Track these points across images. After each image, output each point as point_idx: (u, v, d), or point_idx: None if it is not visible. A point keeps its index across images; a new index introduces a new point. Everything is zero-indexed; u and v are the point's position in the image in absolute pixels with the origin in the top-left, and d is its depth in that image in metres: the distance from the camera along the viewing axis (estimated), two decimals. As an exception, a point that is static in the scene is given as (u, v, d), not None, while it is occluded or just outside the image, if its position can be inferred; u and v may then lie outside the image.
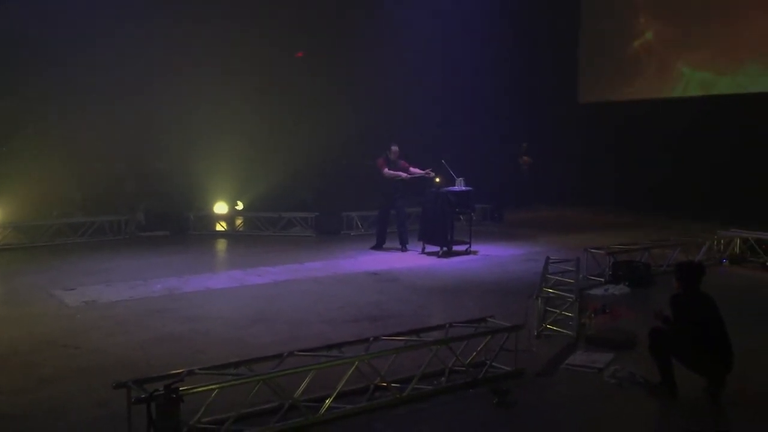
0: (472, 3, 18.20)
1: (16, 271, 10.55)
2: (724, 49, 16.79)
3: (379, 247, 12.36)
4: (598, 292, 9.04)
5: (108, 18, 14.58)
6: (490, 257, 11.78)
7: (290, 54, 17.48)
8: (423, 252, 11.98)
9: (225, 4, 15.94)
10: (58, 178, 14.13)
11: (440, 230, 11.79)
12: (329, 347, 5.75)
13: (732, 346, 5.50)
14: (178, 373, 4.94)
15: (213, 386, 4.77)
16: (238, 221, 15.14)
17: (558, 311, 7.42)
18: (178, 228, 14.19)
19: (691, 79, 17.55)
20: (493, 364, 6.00)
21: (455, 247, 11.95)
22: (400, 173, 12.05)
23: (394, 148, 12.12)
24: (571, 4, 19.85)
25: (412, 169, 12.13)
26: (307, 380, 5.18)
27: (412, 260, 11.51)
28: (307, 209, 14.76)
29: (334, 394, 5.23)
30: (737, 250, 11.41)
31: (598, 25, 19.56)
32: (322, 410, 5.15)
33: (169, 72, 14.95)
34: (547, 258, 9.42)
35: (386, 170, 12.04)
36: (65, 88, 14.39)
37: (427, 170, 12.22)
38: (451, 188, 12.04)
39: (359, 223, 14.43)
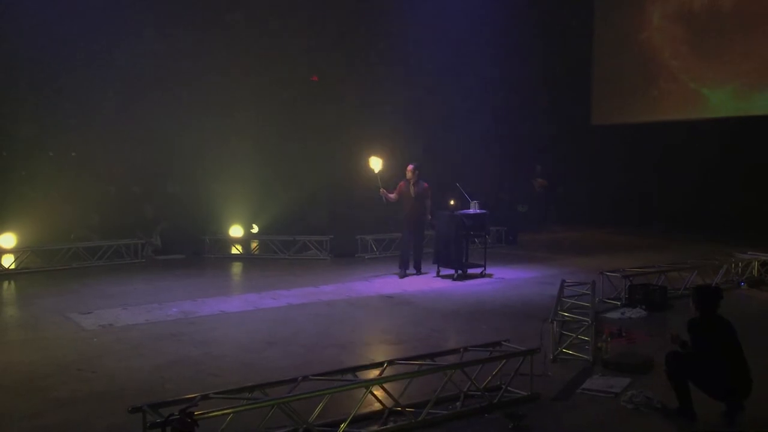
0: (486, 26, 18.34)
1: (33, 294, 10.64)
2: (741, 71, 16.78)
3: (402, 273, 11.97)
4: (614, 315, 8.98)
5: (125, 46, 14.84)
6: (505, 280, 11.74)
7: (305, 78, 17.65)
8: (438, 275, 11.96)
9: (241, 30, 16.18)
10: (76, 202, 14.29)
11: (455, 253, 11.78)
12: (343, 371, 5.75)
13: (750, 371, 5.44)
14: (193, 397, 4.95)
15: (228, 410, 4.77)
16: (254, 244, 15.20)
17: (574, 335, 7.37)
18: (194, 251, 14.27)
19: (707, 101, 17.52)
20: (509, 388, 5.95)
21: (470, 270, 11.92)
22: (388, 195, 11.82)
23: (409, 166, 11.89)
24: (585, 27, 19.96)
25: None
26: (321, 405, 5.17)
27: (427, 283, 11.50)
28: (312, 232, 14.76)
29: (349, 419, 5.21)
30: (755, 273, 11.29)
31: (612, 47, 19.62)
32: (337, 435, 5.13)
33: (186, 97, 15.15)
34: (563, 281, 9.36)
35: (390, 195, 11.86)
36: (83, 114, 14.63)
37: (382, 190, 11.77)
38: (465, 211, 12.04)
39: (374, 246, 14.42)
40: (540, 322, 7.39)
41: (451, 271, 11.83)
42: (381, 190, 11.73)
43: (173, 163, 15.67)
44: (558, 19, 19.44)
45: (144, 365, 6.99)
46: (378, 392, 5.42)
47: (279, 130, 16.31)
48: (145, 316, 9.01)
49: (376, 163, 11.75)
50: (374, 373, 5.74)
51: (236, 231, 15.48)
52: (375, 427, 5.35)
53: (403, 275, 11.92)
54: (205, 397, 4.99)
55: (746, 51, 16.57)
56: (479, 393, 5.83)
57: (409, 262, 12.09)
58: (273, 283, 11.33)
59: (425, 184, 11.92)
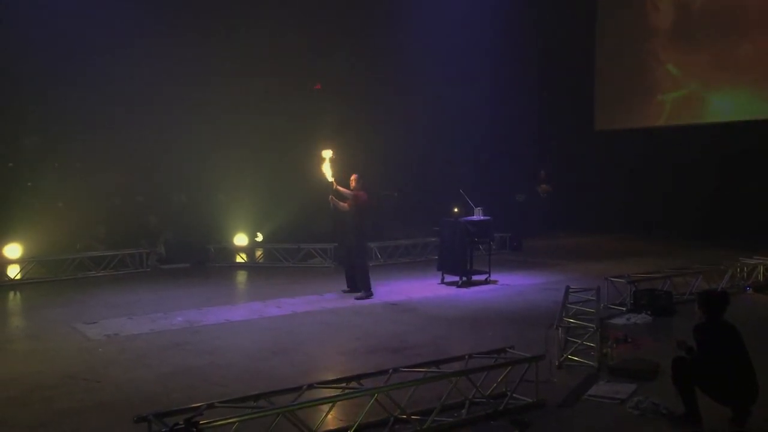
0: (490, 33, 18.38)
1: (39, 305, 10.67)
2: (746, 75, 16.75)
3: (347, 290, 11.12)
4: (619, 321, 8.95)
5: (129, 56, 14.92)
6: (510, 287, 11.72)
7: (308, 86, 17.70)
8: (442, 282, 11.95)
9: (243, 40, 16.24)
10: (81, 213, 14.33)
11: (459, 260, 11.78)
12: (348, 379, 5.75)
13: (756, 376, 5.41)
14: (198, 406, 4.96)
15: (233, 419, 4.77)
16: (258, 253, 15.21)
17: (579, 341, 7.35)
18: (199, 260, 14.28)
19: (711, 106, 17.51)
20: (514, 395, 5.94)
21: (474, 277, 11.91)
22: (339, 204, 10.81)
23: (353, 176, 10.89)
24: (588, 33, 19.98)
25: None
26: (326, 413, 5.17)
27: (431, 290, 11.49)
28: (317, 240, 14.74)
29: (354, 427, 5.21)
30: (761, 277, 11.25)
31: (614, 53, 19.63)
32: (342, 443, 5.12)
33: (190, 107, 15.21)
34: (567, 287, 9.35)
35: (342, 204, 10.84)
36: (87, 125, 14.68)
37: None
38: (469, 218, 12.04)
39: (378, 254, 14.44)
40: (545, 328, 7.36)
41: (456, 278, 11.82)
42: (331, 197, 10.80)
43: (177, 172, 15.71)
44: (560, 24, 19.45)
45: (149, 375, 7.00)
46: (383, 400, 5.41)
47: (283, 138, 16.33)
48: (150, 326, 9.02)
49: (328, 169, 10.82)
50: (379, 381, 5.73)
51: (241, 239, 15.49)
52: (380, 435, 5.34)
53: (347, 291, 11.08)
54: (210, 406, 4.99)
55: (751, 55, 16.54)
56: (485, 400, 5.82)
57: (354, 279, 11.08)
58: (277, 292, 11.34)
59: (354, 193, 10.75)
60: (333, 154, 10.84)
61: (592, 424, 5.68)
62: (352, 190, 10.81)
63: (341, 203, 10.82)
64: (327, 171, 10.83)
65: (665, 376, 6.02)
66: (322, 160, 10.84)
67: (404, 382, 5.68)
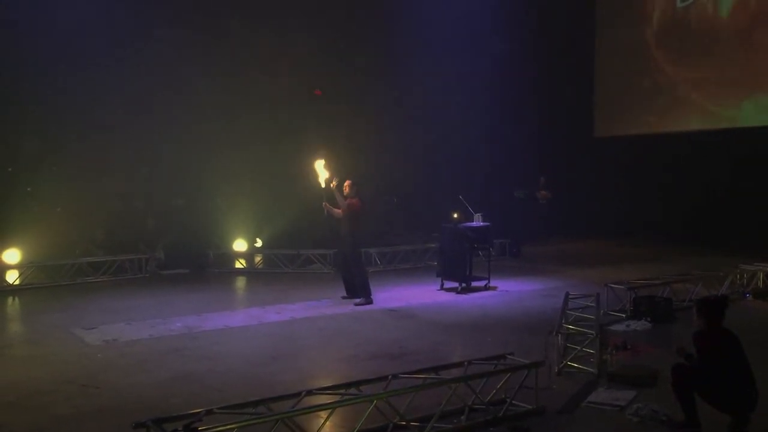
0: (489, 39, 18.41)
1: (37, 310, 10.65)
2: (739, 83, 16.77)
3: (347, 296, 11.03)
4: (619, 327, 8.94)
5: (128, 61, 14.93)
6: (509, 293, 11.71)
7: (309, 90, 17.71)
8: (441, 288, 11.94)
9: (243, 44, 16.26)
10: (81, 218, 14.32)
11: (459, 266, 11.77)
12: (348, 385, 5.73)
13: (756, 383, 5.40)
14: (197, 412, 4.95)
15: (232, 425, 4.77)
16: (257, 258, 15.19)
17: (579, 347, 7.35)
18: (198, 266, 14.26)
19: (707, 113, 17.52)
20: (513, 401, 5.93)
21: (474, 283, 11.90)
22: (333, 210, 10.81)
23: (347, 181, 10.72)
24: (588, 40, 20.02)
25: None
26: (325, 419, 5.16)
27: (431, 296, 11.48)
28: (316, 246, 14.71)
29: (353, 433, 5.20)
30: (761, 284, 11.23)
31: (614, 60, 19.67)
32: (341, 450, 5.11)
33: (189, 112, 15.21)
34: (567, 293, 9.36)
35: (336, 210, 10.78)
36: (87, 129, 14.69)
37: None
38: (469, 224, 12.04)
39: (377, 260, 14.43)
40: (544, 334, 7.35)
41: (455, 284, 11.81)
42: (324, 203, 10.75)
43: (177, 177, 15.70)
44: (559, 31, 19.49)
45: (148, 380, 6.99)
46: (382, 406, 5.39)
47: (282, 143, 16.32)
48: (149, 331, 9.00)
49: (322, 173, 10.66)
50: (378, 387, 5.72)
51: (240, 245, 15.47)
52: (379, 442, 5.33)
53: (346, 297, 10.97)
54: (209, 412, 4.99)
55: (751, 63, 16.55)
56: (484, 406, 5.81)
57: (352, 285, 10.96)
58: (277, 297, 11.32)
59: (348, 201, 10.61)
60: (325, 161, 10.72)
61: (591, 431, 5.67)
62: (345, 197, 10.72)
63: (335, 210, 10.78)
64: (321, 177, 10.77)
65: (665, 383, 6.01)
66: (317, 165, 10.79)
67: (403, 388, 5.66)
